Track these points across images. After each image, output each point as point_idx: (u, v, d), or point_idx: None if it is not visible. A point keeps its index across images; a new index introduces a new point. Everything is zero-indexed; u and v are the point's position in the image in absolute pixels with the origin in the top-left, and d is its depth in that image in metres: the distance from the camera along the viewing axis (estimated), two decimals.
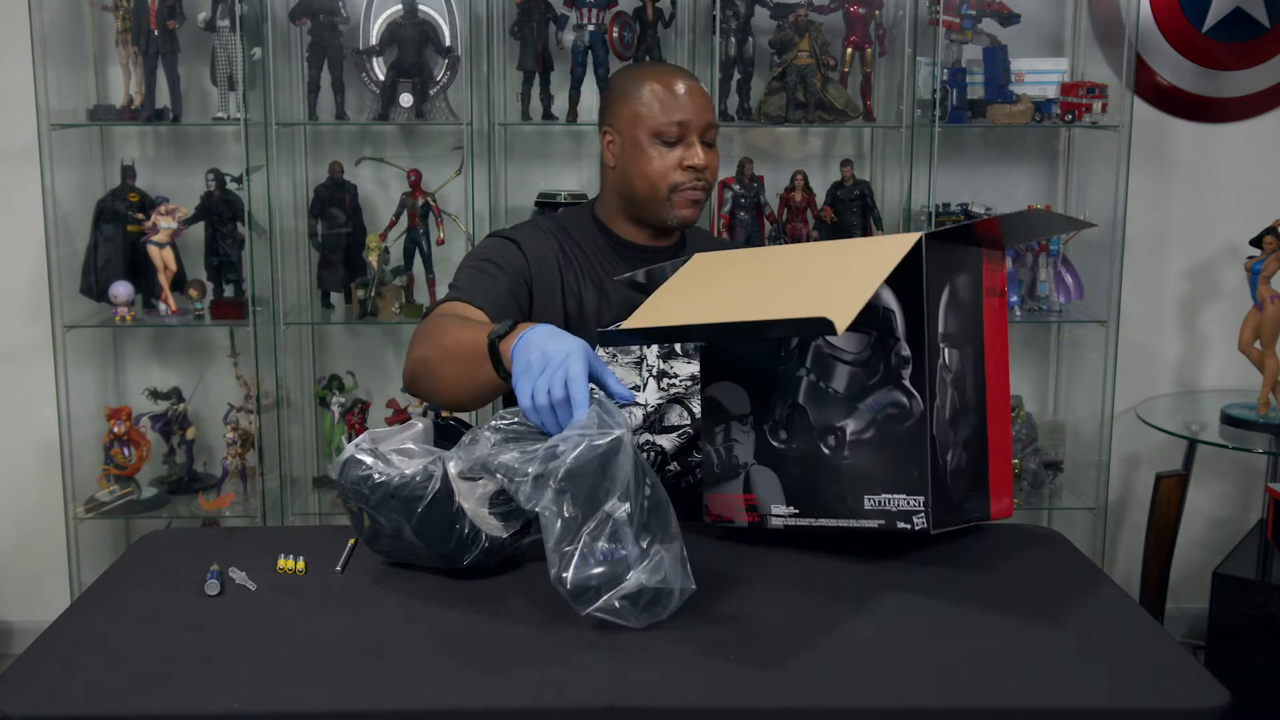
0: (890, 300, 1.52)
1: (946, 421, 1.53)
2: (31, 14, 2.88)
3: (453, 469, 1.48)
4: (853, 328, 1.51)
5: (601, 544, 1.37)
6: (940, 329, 1.52)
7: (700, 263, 1.72)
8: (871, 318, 1.54)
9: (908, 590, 1.52)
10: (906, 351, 1.51)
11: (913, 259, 1.48)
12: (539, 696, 1.24)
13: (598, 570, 1.37)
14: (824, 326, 1.32)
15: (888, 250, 1.46)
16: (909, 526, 1.52)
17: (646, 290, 1.71)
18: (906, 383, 1.51)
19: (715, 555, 1.61)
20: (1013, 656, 1.34)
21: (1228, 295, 3.30)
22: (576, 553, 1.37)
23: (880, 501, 1.55)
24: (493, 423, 1.46)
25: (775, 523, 1.65)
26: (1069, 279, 3.11)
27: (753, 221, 3.02)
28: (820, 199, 3.06)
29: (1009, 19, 3.03)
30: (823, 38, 2.98)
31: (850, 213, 3.02)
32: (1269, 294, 2.91)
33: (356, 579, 1.56)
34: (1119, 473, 3.34)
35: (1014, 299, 3.09)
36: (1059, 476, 3.21)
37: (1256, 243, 2.90)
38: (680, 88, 1.91)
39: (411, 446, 1.54)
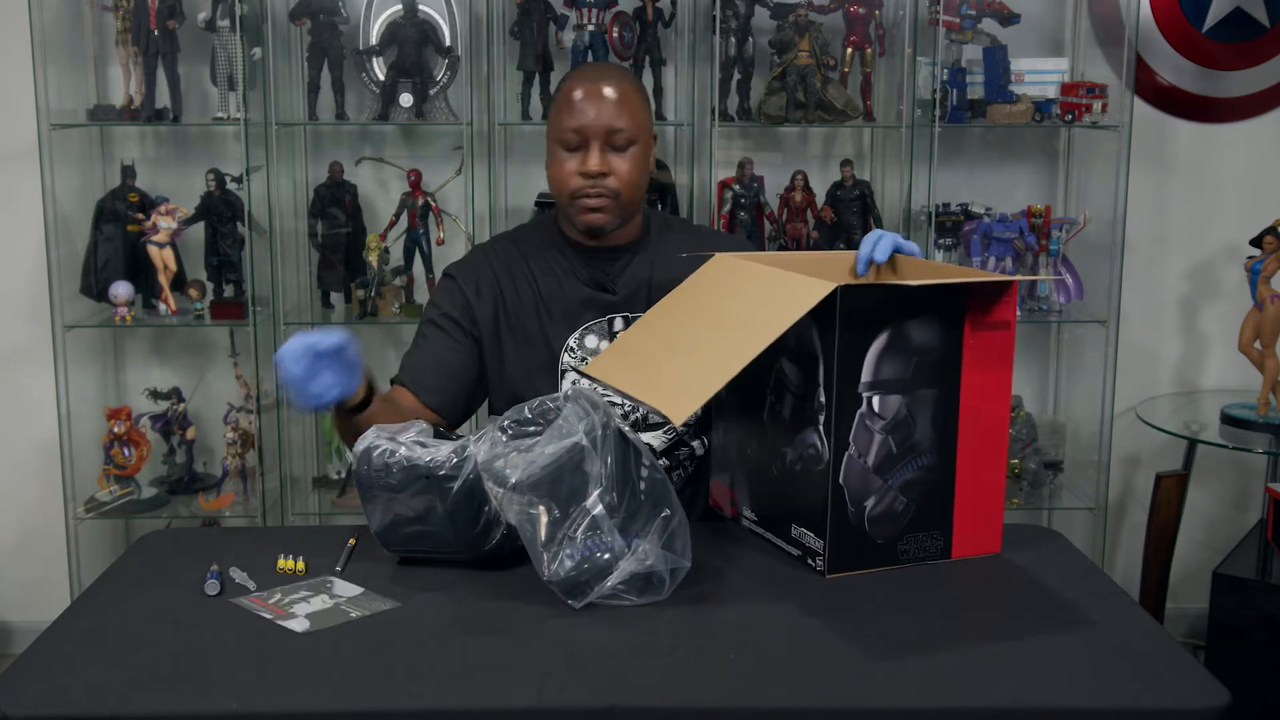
0: (816, 344, 1.53)
1: (868, 469, 1.54)
2: (31, 14, 2.88)
3: (481, 456, 1.49)
4: (796, 361, 1.56)
5: (584, 540, 1.41)
6: (869, 378, 1.52)
7: (717, 265, 1.75)
8: (804, 358, 1.55)
9: (907, 591, 1.52)
10: (823, 398, 1.52)
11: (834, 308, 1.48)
12: (540, 696, 1.24)
13: (584, 565, 1.41)
14: (665, 419, 1.40)
15: (795, 303, 1.46)
16: (813, 564, 1.57)
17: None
18: (820, 429, 1.53)
19: (715, 556, 1.61)
20: (1013, 656, 1.34)
21: (1228, 295, 3.29)
22: (561, 551, 1.41)
23: (799, 534, 1.60)
24: (501, 423, 1.48)
25: (745, 523, 1.72)
26: (1069, 279, 3.11)
27: (753, 221, 3.02)
28: (820, 199, 3.06)
29: (1009, 19, 3.03)
30: (823, 38, 2.98)
31: (850, 213, 3.02)
32: (1269, 294, 2.91)
33: (356, 579, 1.56)
34: (1119, 473, 3.34)
35: None
36: (1059, 476, 3.21)
37: (1256, 243, 2.90)
38: (579, 94, 1.90)
39: (426, 439, 1.55)
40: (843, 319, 1.48)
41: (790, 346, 1.47)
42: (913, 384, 1.55)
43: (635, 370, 1.59)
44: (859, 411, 1.52)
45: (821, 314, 1.46)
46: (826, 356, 1.51)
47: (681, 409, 1.39)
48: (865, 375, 1.52)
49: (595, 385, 1.89)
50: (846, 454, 1.52)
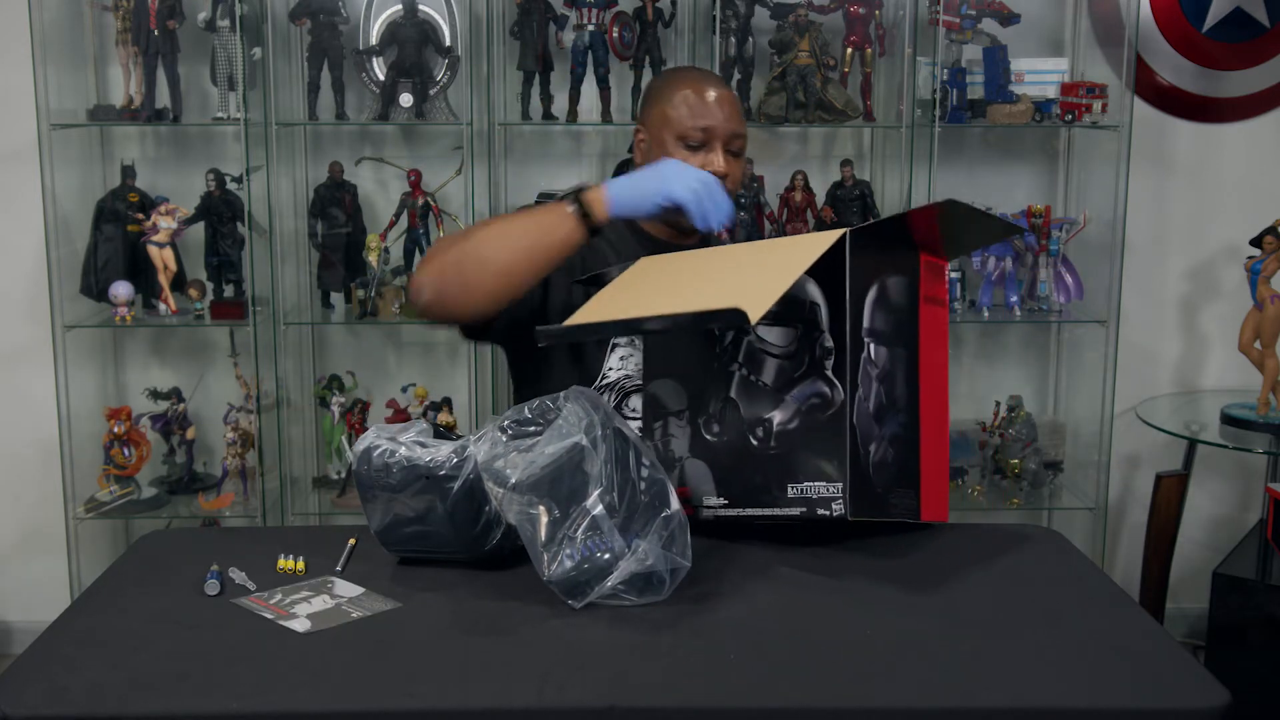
0: (816, 294, 1.57)
1: (870, 414, 1.57)
2: (31, 14, 2.88)
3: (481, 456, 1.49)
4: (780, 321, 1.59)
5: (584, 540, 1.41)
6: (867, 324, 1.56)
7: (646, 263, 1.77)
8: (798, 311, 1.58)
9: (907, 590, 1.52)
10: (829, 343, 1.56)
11: (840, 254, 1.53)
12: (540, 696, 1.24)
13: (584, 565, 1.41)
14: (738, 316, 1.38)
15: (813, 245, 1.52)
16: (828, 513, 1.55)
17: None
18: (829, 373, 1.56)
19: (715, 556, 1.61)
20: (1013, 656, 1.34)
21: (1228, 295, 3.30)
22: (561, 551, 1.41)
23: (802, 489, 1.58)
24: (501, 423, 1.48)
25: (706, 514, 1.68)
26: (1069, 279, 3.11)
27: (753, 221, 3.02)
28: (820, 199, 3.06)
29: (1009, 19, 3.03)
30: (823, 38, 2.98)
31: (850, 213, 3.02)
32: (1269, 294, 2.91)
33: (356, 579, 1.56)
34: (1119, 473, 3.34)
35: (1014, 299, 3.09)
36: (1059, 476, 3.21)
37: (1256, 243, 2.90)
38: (710, 95, 1.94)
39: (426, 439, 1.55)
40: (853, 262, 1.53)
41: (769, 312, 1.48)
42: (892, 339, 1.60)
43: (655, 297, 1.58)
44: (861, 356, 1.55)
45: (817, 265, 1.51)
46: (834, 301, 1.55)
47: (757, 304, 1.38)
48: (865, 321, 1.56)
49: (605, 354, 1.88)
50: (856, 396, 1.54)
